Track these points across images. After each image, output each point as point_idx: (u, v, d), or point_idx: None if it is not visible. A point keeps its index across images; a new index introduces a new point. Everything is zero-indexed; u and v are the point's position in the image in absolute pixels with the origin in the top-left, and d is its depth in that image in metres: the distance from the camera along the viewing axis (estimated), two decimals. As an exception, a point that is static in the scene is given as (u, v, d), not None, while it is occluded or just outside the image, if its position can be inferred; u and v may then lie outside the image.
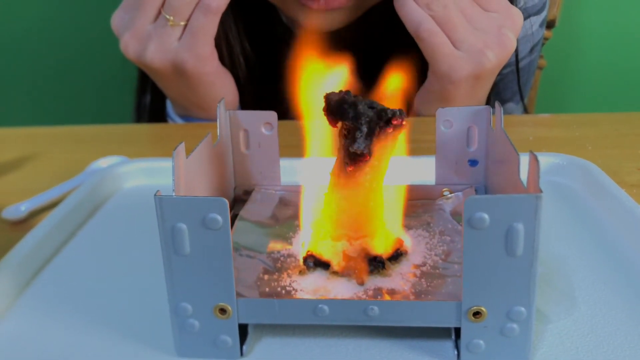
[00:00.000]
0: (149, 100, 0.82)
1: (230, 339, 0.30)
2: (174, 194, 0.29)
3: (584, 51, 1.24)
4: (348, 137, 0.32)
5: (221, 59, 0.70)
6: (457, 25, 0.61)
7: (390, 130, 0.31)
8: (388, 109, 0.31)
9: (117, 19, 0.68)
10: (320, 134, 0.36)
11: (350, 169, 0.32)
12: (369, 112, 0.31)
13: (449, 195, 0.41)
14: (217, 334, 0.30)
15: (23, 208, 0.48)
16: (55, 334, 0.32)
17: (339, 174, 0.33)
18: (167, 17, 0.64)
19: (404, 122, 0.32)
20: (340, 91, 0.32)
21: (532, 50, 0.81)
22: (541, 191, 0.26)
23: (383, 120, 0.31)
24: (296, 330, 0.31)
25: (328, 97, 0.32)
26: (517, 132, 0.65)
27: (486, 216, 0.26)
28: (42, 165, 0.61)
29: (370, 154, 0.31)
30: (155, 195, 0.28)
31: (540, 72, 1.07)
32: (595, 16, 1.21)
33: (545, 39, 0.98)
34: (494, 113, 0.38)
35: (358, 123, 0.31)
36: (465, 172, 0.41)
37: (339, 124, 0.33)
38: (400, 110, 0.31)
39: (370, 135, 0.31)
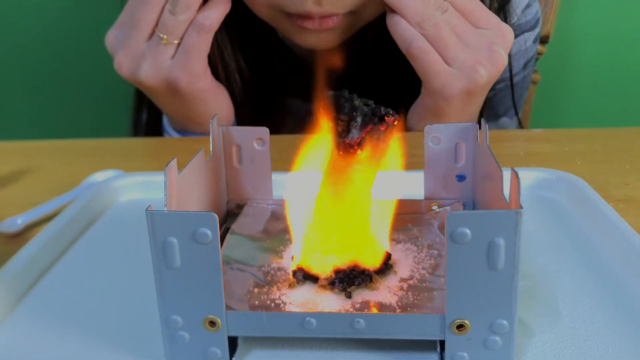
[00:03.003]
0: (146, 118, 0.83)
1: (220, 351, 0.30)
2: (165, 209, 0.30)
3: (578, 66, 1.25)
4: (342, 133, 0.33)
5: (217, 76, 0.71)
6: (449, 42, 0.62)
7: (383, 128, 0.33)
8: (382, 107, 0.33)
9: (111, 38, 0.69)
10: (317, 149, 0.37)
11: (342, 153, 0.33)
12: (363, 107, 0.33)
13: (438, 210, 0.41)
14: (207, 346, 0.30)
15: (19, 221, 0.49)
16: (50, 346, 0.33)
17: (331, 172, 0.34)
18: (161, 35, 0.65)
19: (396, 122, 0.33)
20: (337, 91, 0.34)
21: (525, 65, 0.82)
22: (521, 207, 0.27)
23: (377, 116, 0.32)
24: (285, 343, 0.32)
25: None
26: (509, 147, 0.65)
27: (468, 231, 0.27)
28: (39, 178, 0.61)
29: (362, 146, 0.33)
30: (146, 210, 0.28)
31: (535, 87, 1.08)
32: (589, 31, 1.22)
33: (539, 54, 0.99)
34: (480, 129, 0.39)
35: (353, 115, 0.32)
36: (453, 187, 0.42)
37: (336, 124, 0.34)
38: (393, 110, 0.33)
39: (364, 128, 0.33)
